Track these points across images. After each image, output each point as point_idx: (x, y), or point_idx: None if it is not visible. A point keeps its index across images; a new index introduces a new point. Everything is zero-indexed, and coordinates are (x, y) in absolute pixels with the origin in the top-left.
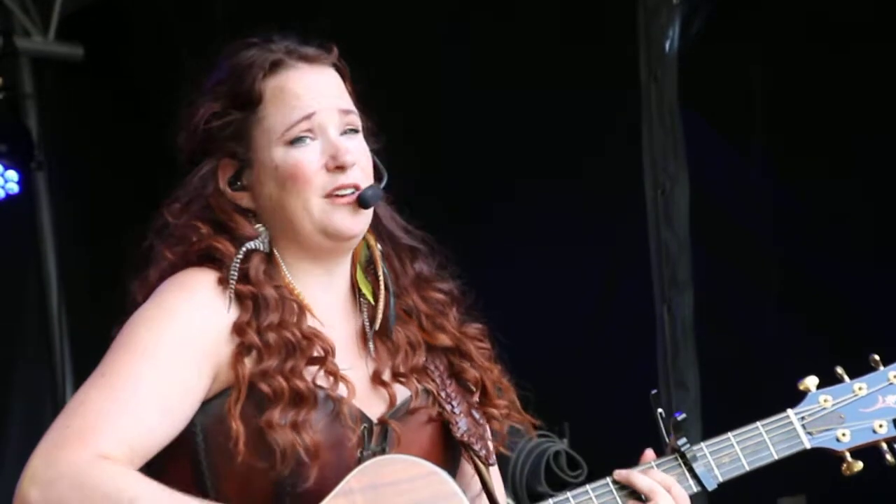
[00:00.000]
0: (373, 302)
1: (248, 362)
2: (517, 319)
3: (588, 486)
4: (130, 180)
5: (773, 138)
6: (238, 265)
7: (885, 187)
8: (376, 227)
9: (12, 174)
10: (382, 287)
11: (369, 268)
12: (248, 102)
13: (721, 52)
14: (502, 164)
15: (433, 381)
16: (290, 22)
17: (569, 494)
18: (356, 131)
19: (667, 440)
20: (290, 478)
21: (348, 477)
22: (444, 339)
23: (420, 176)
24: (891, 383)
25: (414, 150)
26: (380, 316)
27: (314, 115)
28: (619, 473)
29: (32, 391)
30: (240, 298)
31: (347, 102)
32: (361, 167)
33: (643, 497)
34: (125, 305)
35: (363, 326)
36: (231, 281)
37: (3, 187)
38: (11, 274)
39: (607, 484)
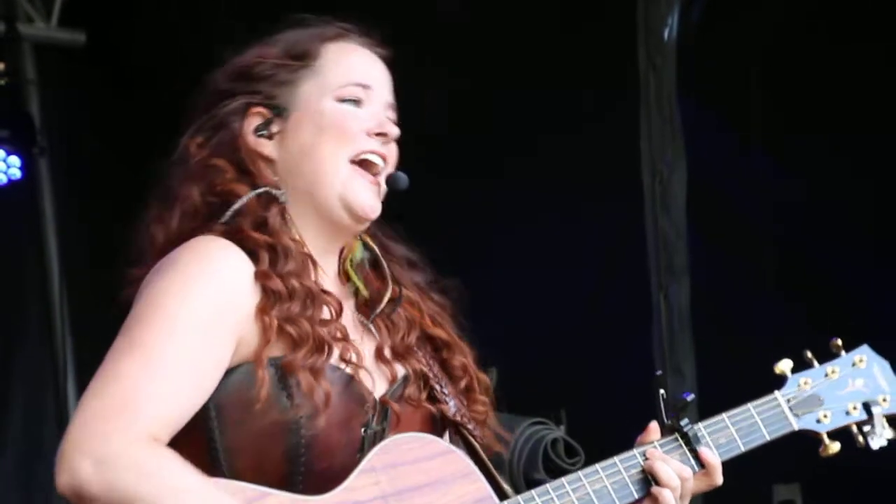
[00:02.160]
0: (364, 292)
1: (274, 311)
2: (515, 309)
3: (598, 466)
4: (132, 166)
5: (771, 126)
6: (251, 205)
7: (882, 175)
8: (375, 236)
9: (14, 160)
10: (389, 275)
11: (360, 267)
12: (306, 55)
13: (719, 39)
14: (501, 150)
15: (421, 361)
16: (292, 10)
17: (597, 466)
18: (394, 123)
19: (666, 421)
20: (306, 440)
21: (370, 455)
22: (440, 333)
23: (423, 157)
24: (856, 367)
25: (416, 134)
26: (387, 296)
27: (370, 89)
28: (652, 453)
29: (33, 376)
30: (259, 247)
31: (392, 98)
32: (394, 154)
33: (655, 481)
34: (139, 250)
35: (355, 309)
36: (254, 233)
37: (5, 172)
38: (13, 259)
39: (635, 455)
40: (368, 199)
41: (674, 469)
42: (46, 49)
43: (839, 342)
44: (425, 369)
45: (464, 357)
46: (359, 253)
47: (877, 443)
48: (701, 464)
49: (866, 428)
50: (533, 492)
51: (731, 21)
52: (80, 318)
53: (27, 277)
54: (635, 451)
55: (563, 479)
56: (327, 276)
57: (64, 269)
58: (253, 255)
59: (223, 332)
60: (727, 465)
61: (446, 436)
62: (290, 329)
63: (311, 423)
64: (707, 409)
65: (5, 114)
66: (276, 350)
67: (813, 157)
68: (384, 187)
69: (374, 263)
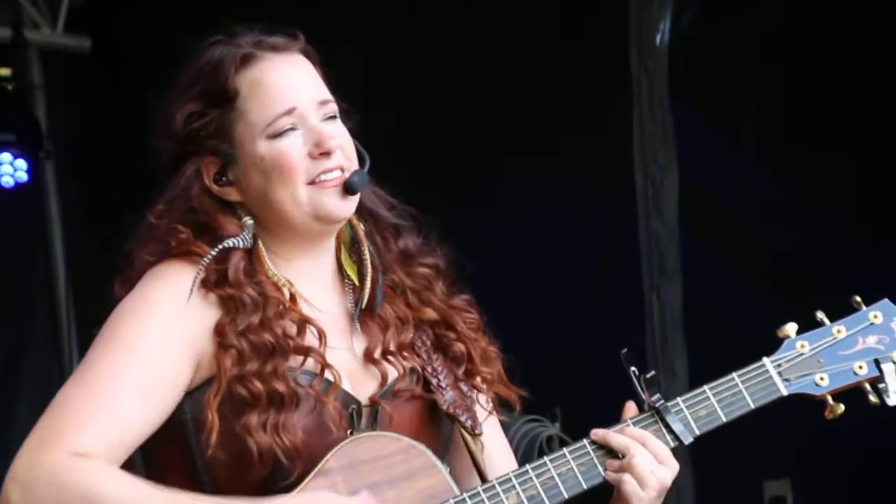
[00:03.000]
0: (357, 283)
1: (228, 361)
2: (511, 307)
3: (566, 449)
4: (135, 169)
5: (761, 129)
6: (207, 264)
7: (873, 177)
8: (358, 205)
9: (21, 163)
10: (369, 265)
11: (353, 248)
12: (224, 99)
13: (710, 44)
14: (499, 154)
15: (419, 356)
16: (288, 15)
17: (546, 459)
18: (335, 117)
19: (643, 398)
20: (272, 475)
21: (327, 457)
22: (430, 314)
23: (422, 161)
24: (872, 324)
25: (414, 138)
26: (367, 294)
27: (295, 110)
28: (596, 433)
29: (41, 375)
30: (219, 300)
31: (324, 91)
32: (344, 151)
33: (620, 455)
34: (107, 310)
35: (352, 304)
36: (198, 275)
37: (12, 176)
38: (20, 260)
39: (584, 445)
40: (335, 206)
41: (634, 437)
42: (52, 55)
43: (858, 299)
44: (420, 363)
45: (456, 329)
46: (347, 234)
47: (894, 399)
48: (677, 438)
49: (881, 385)
50: (495, 480)
51: (721, 26)
52: (85, 315)
53: (34, 278)
54: (608, 430)
55: (528, 466)
56: (319, 289)
57: (70, 269)
58: (219, 301)
59: (177, 353)
60: (719, 462)
61: (449, 427)
62: (241, 390)
63: (279, 476)
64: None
65: (12, 118)
66: (232, 409)
67: (801, 159)
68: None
69: (354, 245)
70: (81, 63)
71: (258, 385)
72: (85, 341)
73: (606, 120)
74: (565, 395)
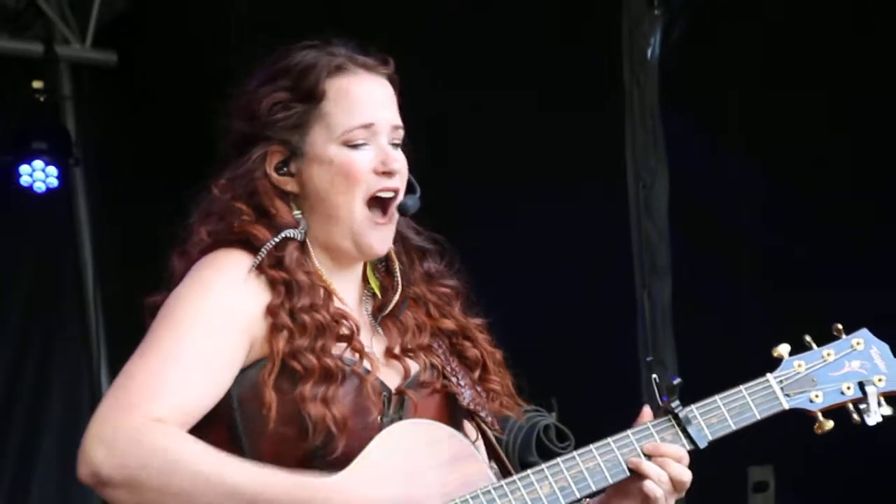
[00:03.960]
0: (379, 294)
1: (281, 340)
2: (510, 304)
3: (592, 446)
4: (158, 174)
5: (749, 135)
6: (269, 249)
7: (859, 178)
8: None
9: (52, 170)
10: (398, 273)
11: (379, 265)
12: (312, 97)
13: (698, 57)
14: (497, 159)
15: (438, 357)
16: (313, 33)
17: (575, 454)
18: (399, 144)
19: (661, 403)
20: (321, 448)
21: (375, 439)
22: (448, 324)
23: (424, 168)
24: (854, 349)
25: (416, 145)
26: (395, 299)
27: (373, 126)
28: (631, 461)
29: (70, 366)
30: (273, 283)
31: (398, 118)
32: (402, 177)
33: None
34: (164, 279)
35: (373, 310)
36: (259, 259)
37: (43, 181)
38: (51, 259)
39: (609, 443)
40: (378, 241)
41: (665, 451)
42: (81, 68)
43: (840, 326)
44: (440, 362)
45: (472, 339)
46: None
47: (872, 419)
48: (692, 442)
49: (862, 406)
50: (529, 471)
51: (710, 38)
52: (112, 311)
53: (64, 277)
54: (628, 432)
55: (559, 459)
56: (348, 292)
57: (98, 269)
58: (272, 284)
59: (234, 333)
60: (705, 449)
61: (466, 424)
62: (295, 364)
63: (327, 448)
64: (688, 397)
65: (44, 128)
66: (288, 380)
67: (787, 161)
68: (397, 215)
69: (387, 267)
70: (108, 76)
71: (311, 359)
72: (111, 333)
73: (599, 127)
74: (562, 386)
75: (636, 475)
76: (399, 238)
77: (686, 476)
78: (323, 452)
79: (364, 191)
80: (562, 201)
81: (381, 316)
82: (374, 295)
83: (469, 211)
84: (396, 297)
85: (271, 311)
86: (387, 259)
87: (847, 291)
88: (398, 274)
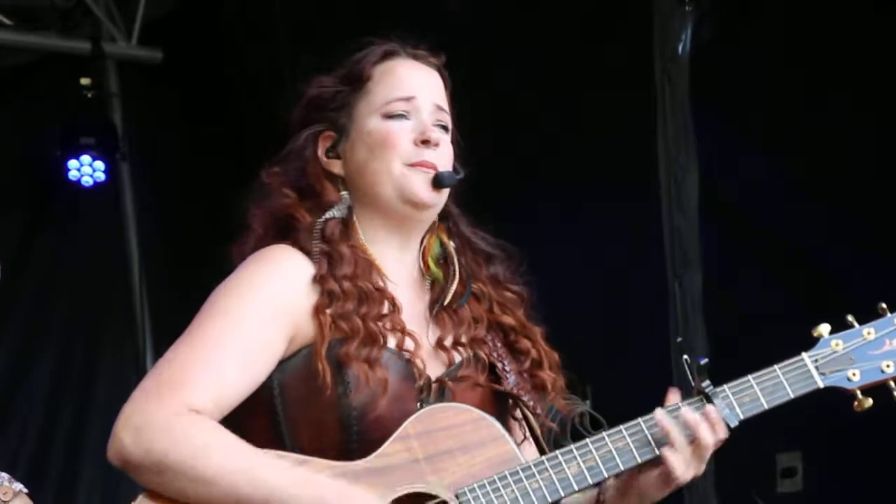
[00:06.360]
0: (441, 284)
1: (329, 309)
2: (547, 294)
3: (622, 426)
4: (203, 169)
5: (777, 130)
6: (318, 231)
7: (883, 178)
8: (455, 231)
9: (100, 164)
10: (457, 267)
11: (441, 262)
12: (357, 80)
13: (728, 53)
14: (533, 153)
15: (487, 345)
16: (353, 35)
17: (604, 433)
18: (446, 129)
19: (692, 383)
20: (358, 412)
21: (405, 424)
22: (509, 320)
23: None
24: None
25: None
26: (452, 291)
27: (414, 100)
28: (660, 418)
29: (117, 353)
30: (319, 255)
31: (444, 102)
32: (444, 155)
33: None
34: (213, 274)
35: (430, 302)
36: (312, 244)
37: (91, 176)
38: (99, 252)
39: (638, 423)
40: (422, 190)
41: (690, 421)
42: (128, 65)
43: (884, 305)
44: (486, 352)
45: (530, 338)
46: (436, 248)
47: None
48: (723, 420)
49: None
50: (557, 451)
51: (739, 35)
52: (156, 300)
53: (111, 269)
54: (658, 411)
55: (588, 439)
56: (400, 274)
57: (144, 261)
58: (314, 262)
59: (276, 327)
60: (733, 435)
61: (506, 415)
62: (343, 324)
63: (365, 413)
64: (718, 382)
65: (91, 123)
66: (334, 344)
67: (813, 156)
68: (446, 191)
69: (446, 260)
70: (154, 73)
71: (357, 321)
72: (156, 320)
73: (631, 123)
74: (595, 376)
75: (661, 454)
76: (465, 241)
77: (709, 439)
78: (362, 412)
79: (402, 158)
80: (599, 195)
81: (438, 306)
82: (433, 286)
83: (513, 205)
84: (454, 288)
85: (319, 279)
86: (446, 254)
87: (874, 285)
88: (457, 265)
